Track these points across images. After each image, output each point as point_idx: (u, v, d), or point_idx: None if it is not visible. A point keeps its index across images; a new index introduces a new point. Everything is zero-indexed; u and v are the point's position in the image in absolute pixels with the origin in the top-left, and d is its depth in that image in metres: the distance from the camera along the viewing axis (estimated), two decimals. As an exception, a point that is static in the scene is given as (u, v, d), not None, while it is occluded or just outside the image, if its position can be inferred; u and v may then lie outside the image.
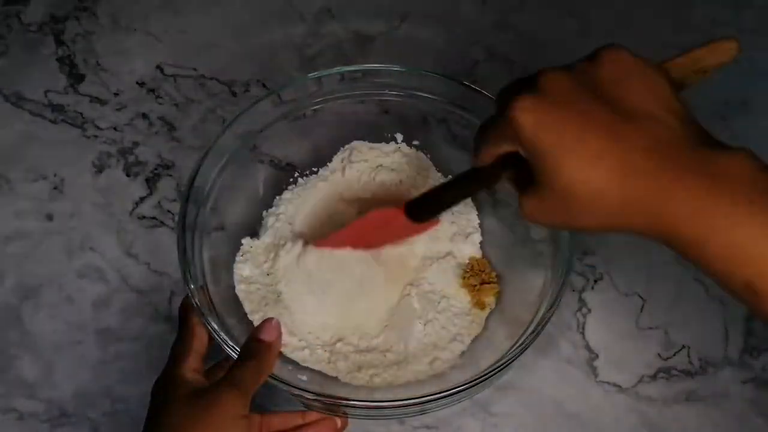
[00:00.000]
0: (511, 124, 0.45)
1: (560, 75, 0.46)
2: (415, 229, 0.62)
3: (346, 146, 0.71)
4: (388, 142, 0.72)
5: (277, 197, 0.70)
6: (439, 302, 0.65)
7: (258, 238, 0.67)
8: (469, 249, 0.68)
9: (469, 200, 0.69)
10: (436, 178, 0.71)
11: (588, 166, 0.43)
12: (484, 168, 0.52)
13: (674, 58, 0.48)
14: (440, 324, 0.64)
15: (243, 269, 0.66)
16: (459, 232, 0.68)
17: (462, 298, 0.65)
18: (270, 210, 0.69)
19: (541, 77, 0.46)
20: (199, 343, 0.56)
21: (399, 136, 0.72)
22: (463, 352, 0.63)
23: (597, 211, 0.44)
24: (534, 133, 0.45)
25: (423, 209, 0.59)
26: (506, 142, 0.47)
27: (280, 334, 0.56)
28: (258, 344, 0.55)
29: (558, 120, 0.44)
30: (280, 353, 0.60)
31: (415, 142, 0.72)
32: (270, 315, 0.63)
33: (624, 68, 0.45)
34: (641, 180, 0.43)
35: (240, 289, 0.65)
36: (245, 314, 0.64)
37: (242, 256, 0.66)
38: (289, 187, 0.70)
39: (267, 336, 0.55)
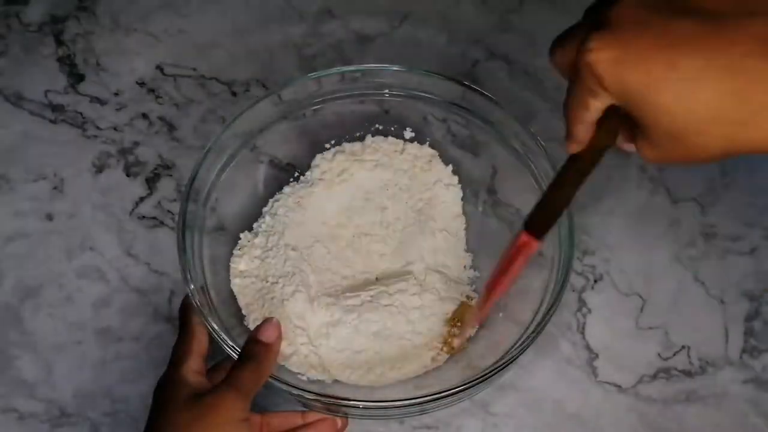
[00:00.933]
0: (589, 73, 0.40)
1: (629, 4, 0.39)
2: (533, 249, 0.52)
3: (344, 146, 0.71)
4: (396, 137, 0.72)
5: (277, 193, 0.70)
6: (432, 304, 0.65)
7: (255, 234, 0.68)
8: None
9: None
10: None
11: (687, 92, 0.37)
12: (585, 149, 0.45)
13: None
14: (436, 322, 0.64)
15: (239, 263, 0.66)
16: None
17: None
18: (266, 208, 0.69)
19: (610, 12, 0.40)
20: (200, 344, 0.56)
21: (407, 134, 0.72)
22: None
23: (714, 137, 0.38)
24: (616, 74, 0.39)
25: (545, 222, 0.49)
26: (593, 98, 0.41)
27: (280, 335, 0.56)
28: (257, 346, 0.54)
29: (639, 51, 0.38)
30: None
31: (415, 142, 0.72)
32: (266, 309, 0.63)
33: None
34: (762, 82, 0.36)
35: (235, 284, 0.65)
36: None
37: (239, 250, 0.66)
38: (290, 182, 0.71)
39: (266, 337, 0.55)
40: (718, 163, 0.73)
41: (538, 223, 0.49)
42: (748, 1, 0.37)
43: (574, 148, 0.45)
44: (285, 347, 0.61)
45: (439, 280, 0.66)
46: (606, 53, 0.39)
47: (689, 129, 0.38)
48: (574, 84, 0.42)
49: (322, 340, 0.63)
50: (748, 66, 0.36)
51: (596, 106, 0.42)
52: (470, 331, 0.64)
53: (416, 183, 0.70)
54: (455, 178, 0.70)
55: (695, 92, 0.37)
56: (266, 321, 0.56)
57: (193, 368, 0.54)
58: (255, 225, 0.68)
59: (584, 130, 0.44)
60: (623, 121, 0.43)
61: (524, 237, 0.48)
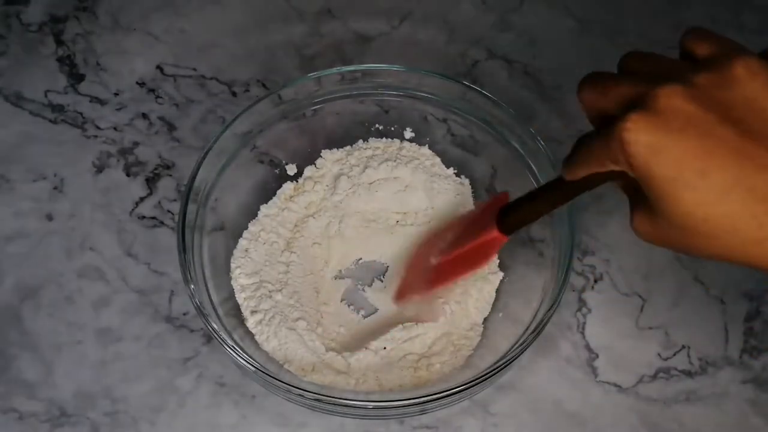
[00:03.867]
0: (620, 145, 0.39)
1: (681, 94, 0.38)
2: (491, 252, 0.55)
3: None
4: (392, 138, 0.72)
5: (277, 192, 0.70)
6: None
7: (256, 234, 0.67)
8: None
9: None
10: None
11: (712, 203, 0.38)
12: (575, 181, 0.45)
13: None
14: (445, 336, 0.64)
15: (239, 263, 0.66)
16: None
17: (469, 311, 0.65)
18: (266, 208, 0.69)
19: (659, 95, 0.38)
20: None
21: (407, 133, 0.72)
22: (458, 366, 0.63)
23: (721, 245, 0.40)
24: (647, 160, 0.38)
25: (516, 225, 0.52)
26: (613, 163, 0.40)
27: None
28: None
29: (676, 148, 0.38)
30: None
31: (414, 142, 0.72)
32: (269, 312, 0.63)
33: (760, 83, 0.38)
34: None
35: (235, 284, 0.65)
36: (245, 314, 0.64)
37: (240, 250, 0.66)
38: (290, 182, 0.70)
39: None
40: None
41: (511, 225, 0.52)
42: None
43: (568, 177, 0.45)
44: (284, 346, 0.61)
45: None
46: (644, 137, 0.38)
47: (700, 231, 0.39)
48: (600, 137, 0.41)
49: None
50: None
51: (610, 168, 0.41)
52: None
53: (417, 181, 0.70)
54: (465, 183, 0.70)
55: (718, 205, 0.38)
56: None
57: None
58: (254, 225, 0.68)
59: (585, 173, 0.44)
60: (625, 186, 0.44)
61: (496, 233, 0.52)
